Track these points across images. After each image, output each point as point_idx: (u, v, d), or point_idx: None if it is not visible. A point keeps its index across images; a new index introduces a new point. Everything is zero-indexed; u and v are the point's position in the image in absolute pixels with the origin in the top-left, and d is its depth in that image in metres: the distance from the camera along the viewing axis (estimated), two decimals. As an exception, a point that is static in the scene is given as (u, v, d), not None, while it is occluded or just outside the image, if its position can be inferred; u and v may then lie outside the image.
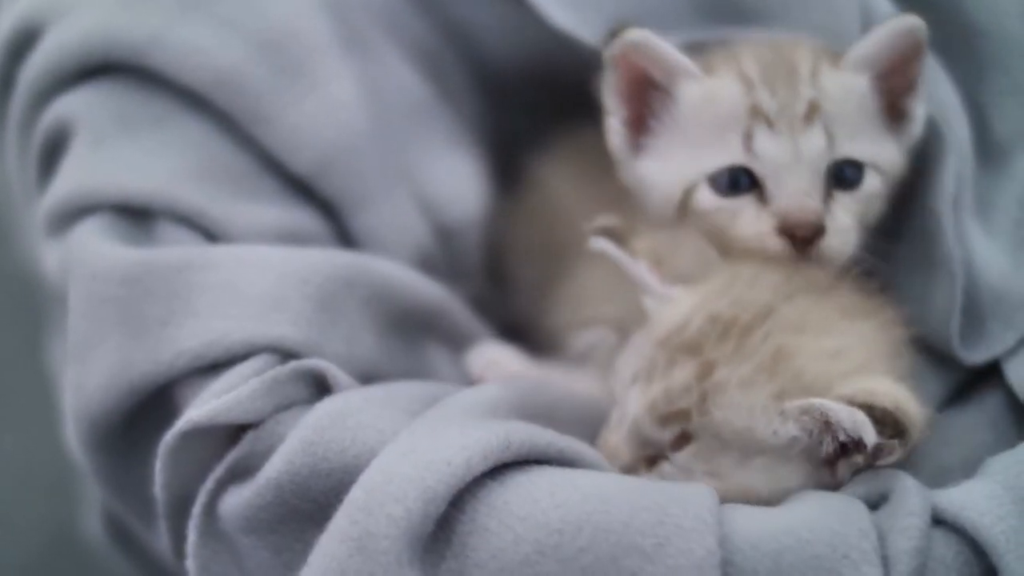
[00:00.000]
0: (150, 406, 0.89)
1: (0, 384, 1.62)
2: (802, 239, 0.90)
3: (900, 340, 0.88)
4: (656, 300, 0.89)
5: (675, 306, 0.88)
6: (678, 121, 0.95)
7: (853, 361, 0.85)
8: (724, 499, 0.78)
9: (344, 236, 1.02)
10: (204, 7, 1.00)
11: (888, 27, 0.93)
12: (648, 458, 0.85)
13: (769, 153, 0.91)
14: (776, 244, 0.90)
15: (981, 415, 0.93)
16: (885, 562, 0.73)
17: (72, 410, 0.91)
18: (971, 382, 0.96)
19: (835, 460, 0.82)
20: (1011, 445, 0.88)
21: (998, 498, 0.76)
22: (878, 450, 0.79)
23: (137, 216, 0.96)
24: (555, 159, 1.15)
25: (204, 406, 0.83)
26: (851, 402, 0.78)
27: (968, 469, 0.85)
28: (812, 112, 0.91)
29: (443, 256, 1.08)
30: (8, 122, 1.04)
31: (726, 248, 0.92)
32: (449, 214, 1.08)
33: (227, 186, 0.98)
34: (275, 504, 0.80)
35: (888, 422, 0.78)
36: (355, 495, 0.75)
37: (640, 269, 0.90)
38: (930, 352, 0.95)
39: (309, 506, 0.80)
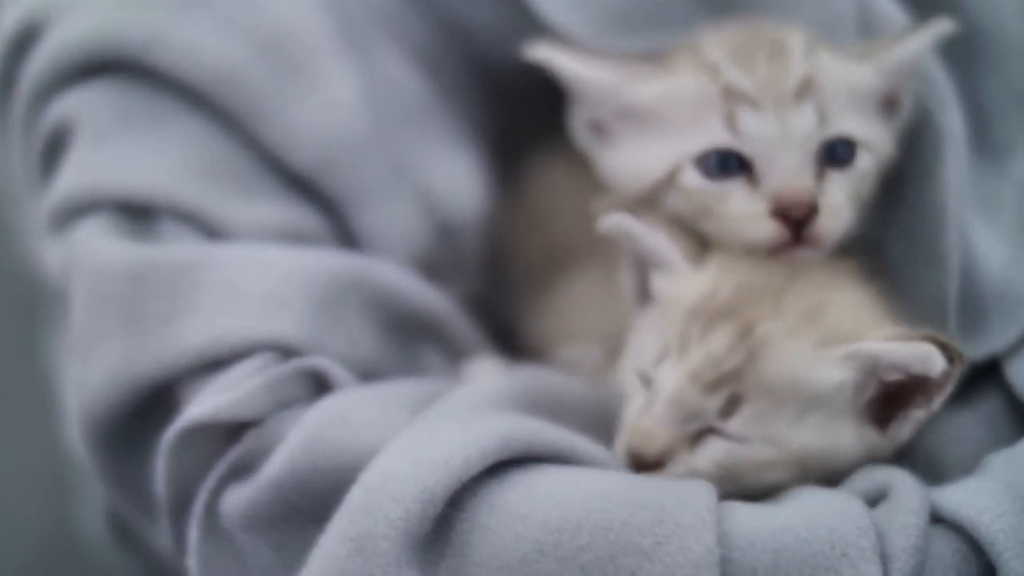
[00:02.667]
0: (152, 403, 0.89)
1: (1, 382, 1.62)
2: (796, 220, 0.88)
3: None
4: (671, 275, 0.88)
5: (694, 280, 0.87)
6: (643, 118, 0.94)
7: (876, 314, 0.87)
8: (781, 472, 0.80)
9: (345, 235, 1.02)
10: (205, 5, 1.00)
11: (924, 35, 0.93)
12: (692, 436, 0.82)
13: (756, 132, 0.88)
14: (769, 228, 0.88)
15: (980, 413, 0.93)
16: (884, 560, 0.73)
17: (74, 407, 0.92)
18: (970, 380, 0.95)
19: (885, 414, 0.83)
20: (1010, 443, 0.88)
21: (997, 496, 0.76)
22: (937, 385, 0.81)
23: (139, 214, 0.96)
24: (553, 160, 1.15)
25: (206, 403, 0.84)
26: (901, 338, 0.81)
27: (967, 467, 0.86)
28: (804, 88, 0.89)
29: (443, 255, 1.08)
30: (10, 120, 1.04)
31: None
32: (449, 213, 1.08)
33: (228, 184, 0.98)
34: (276, 502, 0.81)
35: (945, 348, 0.80)
36: (354, 495, 0.75)
37: (660, 241, 0.89)
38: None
39: (310, 504, 0.80)
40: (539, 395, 0.91)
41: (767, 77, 0.90)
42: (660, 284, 0.89)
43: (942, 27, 0.93)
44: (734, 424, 0.81)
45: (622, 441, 0.84)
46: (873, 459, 0.84)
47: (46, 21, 1.01)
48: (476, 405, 0.84)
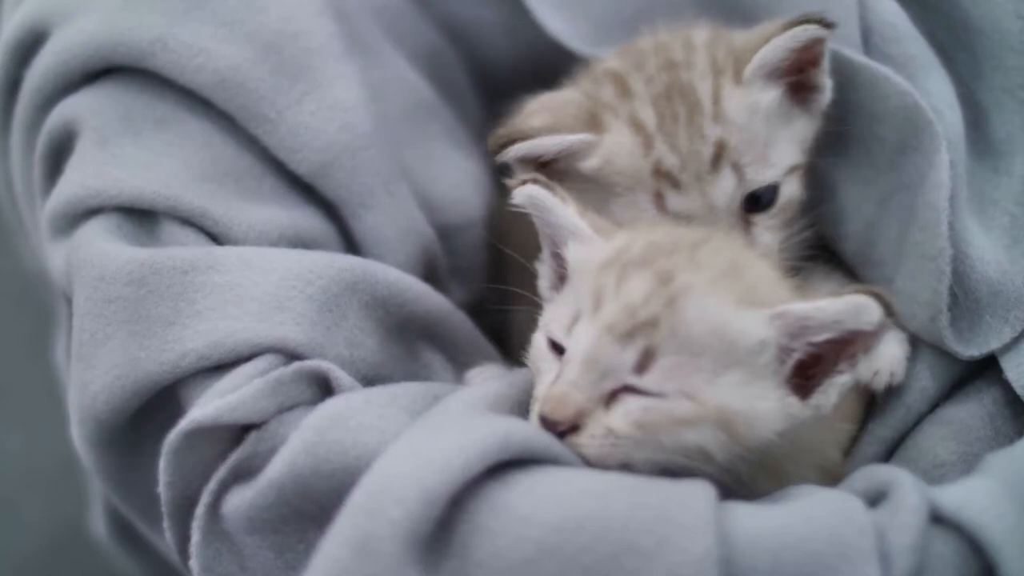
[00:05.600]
0: (155, 406, 0.90)
1: (6, 382, 1.63)
2: None
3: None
4: (583, 245, 0.87)
5: (605, 245, 0.86)
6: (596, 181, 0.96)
7: (788, 288, 0.86)
8: (706, 433, 0.79)
9: (347, 237, 1.03)
10: (207, 9, 1.00)
11: (788, 36, 0.93)
12: (608, 396, 0.80)
13: (682, 210, 0.93)
14: None
15: (979, 410, 0.93)
16: (884, 559, 0.73)
17: (77, 409, 0.92)
18: (968, 377, 0.96)
19: (807, 385, 0.82)
20: (1009, 440, 0.88)
21: (997, 496, 0.76)
22: (865, 340, 0.80)
23: (142, 217, 0.96)
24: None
25: (208, 406, 0.84)
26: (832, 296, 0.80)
27: (966, 464, 0.86)
28: (719, 154, 0.93)
29: (444, 255, 1.09)
30: (14, 124, 1.04)
31: None
32: (450, 213, 1.09)
33: (230, 187, 0.98)
34: (277, 504, 0.81)
35: (878, 297, 0.79)
36: (356, 497, 0.75)
37: (571, 212, 0.88)
38: (926, 346, 0.95)
39: (311, 507, 0.81)
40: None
41: (686, 149, 0.93)
42: (572, 252, 0.87)
43: (811, 32, 0.93)
44: (649, 379, 0.80)
45: (534, 412, 0.82)
46: (796, 430, 0.83)
47: (49, 26, 1.01)
48: (476, 408, 0.84)
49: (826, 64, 0.95)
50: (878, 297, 0.79)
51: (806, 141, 0.97)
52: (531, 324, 0.90)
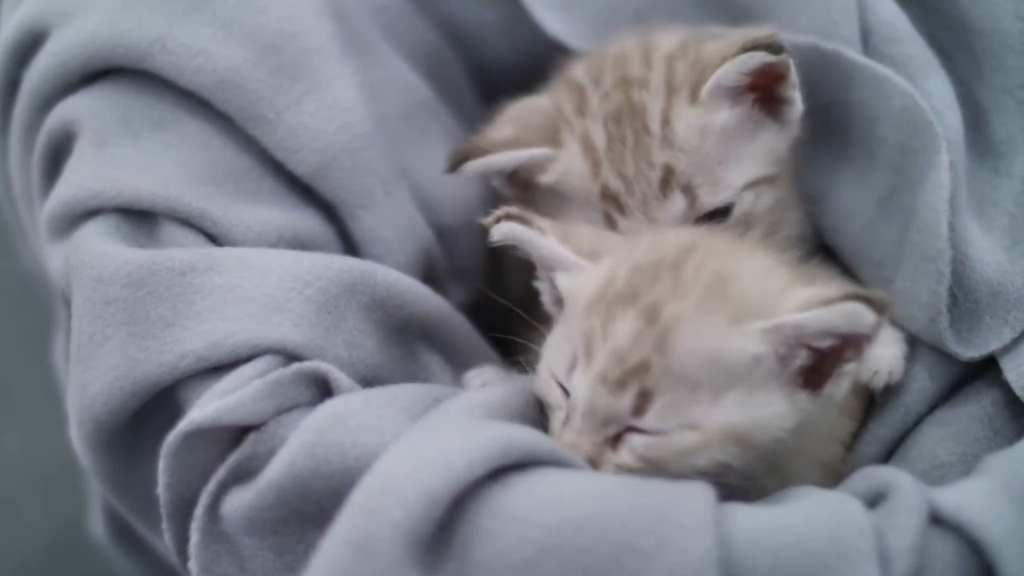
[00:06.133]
0: (154, 407, 0.90)
1: (6, 383, 1.63)
2: None
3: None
4: (570, 274, 0.86)
5: (592, 273, 0.85)
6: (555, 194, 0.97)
7: (783, 277, 0.85)
8: (718, 453, 0.79)
9: (346, 238, 1.03)
10: (206, 10, 1.00)
11: (738, 62, 0.92)
12: (613, 439, 0.81)
13: (631, 232, 0.92)
14: None
15: (978, 411, 0.93)
16: (883, 560, 0.73)
17: (76, 411, 0.92)
18: (967, 378, 0.96)
19: (816, 377, 0.81)
20: (1009, 441, 0.88)
21: (996, 497, 0.76)
22: (867, 338, 0.79)
23: (140, 218, 0.96)
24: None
25: (207, 407, 0.84)
26: (823, 303, 0.79)
27: (965, 465, 0.86)
28: (667, 178, 0.93)
29: (443, 256, 1.09)
30: (12, 125, 1.04)
31: None
32: (449, 214, 1.09)
33: (229, 188, 0.98)
34: (277, 506, 0.81)
35: (870, 301, 0.78)
36: (356, 498, 0.75)
37: (551, 243, 0.87)
38: (925, 347, 0.95)
39: (311, 508, 0.81)
40: (538, 405, 0.90)
41: (633, 174, 0.93)
42: (562, 283, 0.87)
43: (759, 58, 0.92)
44: (649, 419, 0.80)
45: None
46: (807, 422, 0.83)
47: (48, 26, 1.01)
48: (475, 412, 0.84)
49: (793, 78, 0.94)
50: (869, 300, 0.78)
51: (776, 152, 0.96)
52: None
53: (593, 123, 0.96)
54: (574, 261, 0.87)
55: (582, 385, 0.81)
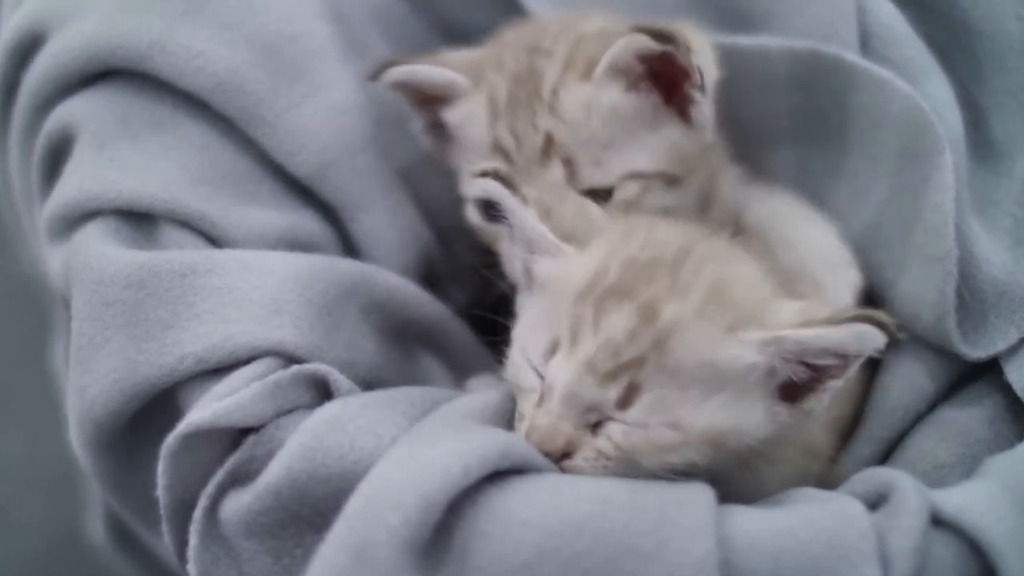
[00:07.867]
0: (153, 409, 0.89)
1: (5, 385, 1.63)
2: None
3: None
4: (551, 257, 0.85)
5: (581, 259, 0.84)
6: (455, 139, 1.00)
7: (767, 288, 0.85)
8: (691, 453, 0.79)
9: (345, 239, 1.03)
10: (205, 11, 1.00)
11: (624, 42, 0.92)
12: (592, 426, 0.81)
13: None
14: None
15: (979, 412, 0.93)
16: (884, 562, 0.73)
17: (75, 413, 0.92)
18: (967, 378, 0.96)
19: (797, 391, 0.81)
20: (1010, 443, 0.88)
21: (998, 499, 0.76)
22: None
23: (140, 220, 0.96)
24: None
25: (206, 409, 0.84)
26: (830, 321, 0.78)
27: (966, 467, 0.86)
28: (548, 146, 0.94)
29: (443, 258, 1.09)
30: (12, 127, 1.04)
31: None
32: (449, 216, 1.09)
33: (228, 189, 0.98)
34: (275, 509, 0.81)
35: (882, 325, 0.78)
36: (354, 503, 0.75)
37: (531, 217, 0.86)
38: (925, 347, 0.95)
39: (309, 511, 0.80)
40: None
41: (522, 133, 0.95)
42: (542, 267, 0.86)
43: (635, 41, 0.92)
44: (632, 413, 0.80)
45: (521, 430, 0.82)
46: (784, 432, 0.83)
47: (47, 28, 1.01)
48: (473, 417, 0.84)
49: (699, 79, 0.93)
50: (880, 324, 0.78)
51: (680, 152, 0.96)
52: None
53: (501, 79, 0.97)
54: (555, 244, 0.85)
55: (565, 370, 0.80)
